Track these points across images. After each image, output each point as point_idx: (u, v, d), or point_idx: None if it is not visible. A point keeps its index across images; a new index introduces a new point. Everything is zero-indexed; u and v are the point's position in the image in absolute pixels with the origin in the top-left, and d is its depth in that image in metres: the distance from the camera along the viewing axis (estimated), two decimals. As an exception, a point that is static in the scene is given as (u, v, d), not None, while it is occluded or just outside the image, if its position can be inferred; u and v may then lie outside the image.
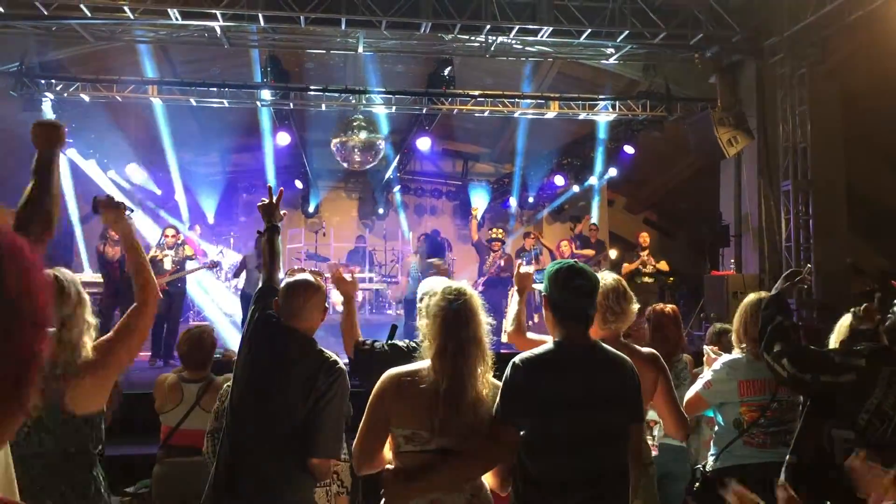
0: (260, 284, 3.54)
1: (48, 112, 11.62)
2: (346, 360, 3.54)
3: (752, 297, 3.98)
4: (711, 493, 3.77)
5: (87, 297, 2.87)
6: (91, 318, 2.83)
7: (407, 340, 3.63)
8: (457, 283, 2.91)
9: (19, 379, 0.90)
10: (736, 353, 3.87)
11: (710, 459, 3.82)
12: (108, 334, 2.90)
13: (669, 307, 4.82)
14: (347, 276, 3.93)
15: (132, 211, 3.16)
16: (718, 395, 3.81)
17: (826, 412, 3.02)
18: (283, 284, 3.39)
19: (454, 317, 2.74)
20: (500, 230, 11.61)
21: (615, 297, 3.47)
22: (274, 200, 3.77)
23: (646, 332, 4.68)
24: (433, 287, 2.97)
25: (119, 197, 3.20)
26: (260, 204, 3.78)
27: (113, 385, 2.96)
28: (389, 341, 3.69)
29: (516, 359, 2.78)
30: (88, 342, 2.78)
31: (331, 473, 3.29)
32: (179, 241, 10.55)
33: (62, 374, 2.68)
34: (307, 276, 3.40)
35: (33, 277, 0.92)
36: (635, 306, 3.57)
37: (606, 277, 3.55)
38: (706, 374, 3.88)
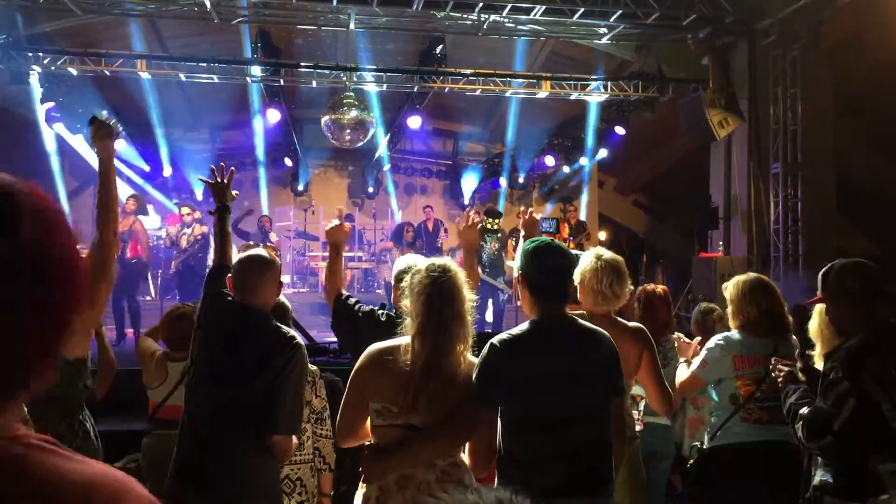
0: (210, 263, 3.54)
1: (35, 85, 11.50)
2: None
3: (740, 277, 3.99)
4: (708, 471, 3.81)
5: None
6: None
7: (385, 311, 3.61)
8: (440, 259, 2.89)
9: (46, 349, 0.90)
10: (731, 332, 3.89)
11: (706, 437, 3.84)
12: None
13: (660, 287, 4.85)
14: (336, 222, 3.86)
15: (122, 131, 3.21)
16: (714, 372, 3.82)
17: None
18: (236, 260, 3.37)
19: (438, 293, 2.72)
20: (497, 221, 11.46)
21: (609, 283, 3.45)
22: (224, 180, 3.76)
23: (636, 311, 4.70)
24: (417, 264, 2.95)
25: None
26: (210, 183, 3.75)
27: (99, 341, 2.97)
28: (367, 307, 3.66)
29: (494, 339, 2.77)
30: None
31: (292, 451, 3.26)
32: (195, 219, 10.59)
33: None
34: (261, 251, 3.39)
35: (72, 250, 0.93)
36: (629, 289, 3.57)
37: (603, 257, 3.53)
38: (702, 354, 3.89)
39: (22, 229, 0.87)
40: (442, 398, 2.69)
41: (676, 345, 4.19)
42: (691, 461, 3.91)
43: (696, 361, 3.89)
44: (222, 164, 3.92)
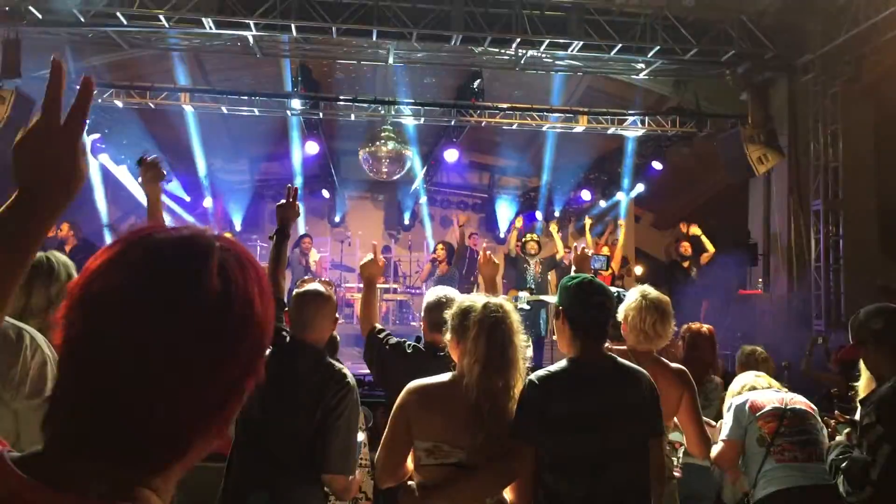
0: None
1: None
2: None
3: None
4: None
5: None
6: None
7: (412, 342, 3.61)
8: (494, 298, 2.87)
9: (224, 405, 0.88)
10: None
11: (749, 488, 3.78)
12: None
13: (706, 327, 4.78)
14: (370, 256, 3.87)
15: (169, 181, 3.21)
16: (740, 427, 3.79)
17: None
18: (293, 295, 3.37)
19: (500, 335, 2.70)
20: (536, 236, 11.49)
21: (652, 322, 3.42)
22: (293, 201, 3.75)
23: (680, 351, 4.63)
24: (467, 301, 2.93)
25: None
26: (279, 204, 3.75)
27: None
28: (394, 339, 3.66)
29: (533, 376, 2.75)
30: None
31: (351, 491, 3.24)
32: None
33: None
34: (318, 286, 3.39)
35: (255, 305, 0.90)
36: (672, 328, 3.53)
37: (648, 296, 3.50)
38: (726, 422, 3.87)
39: (210, 283, 0.85)
40: (499, 436, 2.67)
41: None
42: None
43: (724, 429, 3.88)
44: (289, 185, 3.90)
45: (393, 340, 3.61)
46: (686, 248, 11.24)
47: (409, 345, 3.58)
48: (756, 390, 3.91)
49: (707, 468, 4.41)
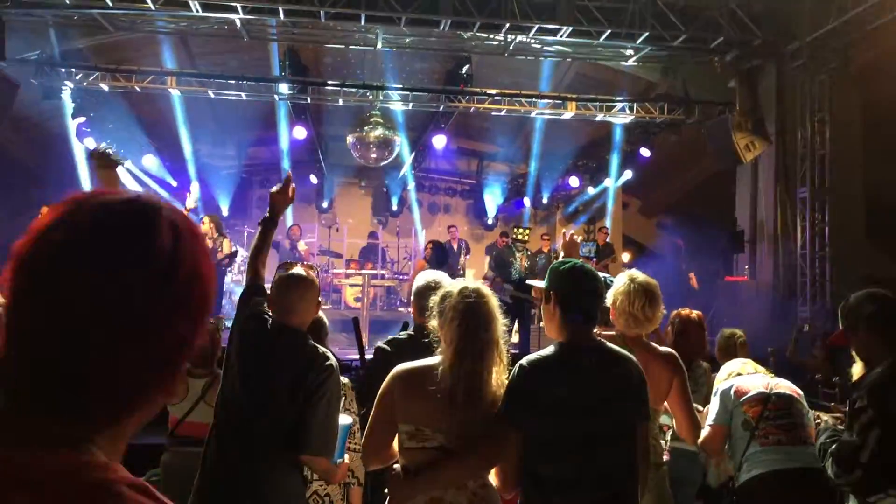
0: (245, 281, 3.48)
1: (67, 101, 11.68)
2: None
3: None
4: None
5: None
6: None
7: (390, 338, 3.60)
8: (473, 283, 2.87)
9: (170, 364, 0.89)
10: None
11: (734, 471, 3.81)
12: None
13: (695, 313, 4.79)
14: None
15: (122, 163, 3.09)
16: (726, 412, 3.82)
17: None
18: (275, 279, 3.35)
19: (475, 319, 2.71)
20: (525, 230, 11.43)
21: (640, 306, 3.42)
22: (287, 187, 3.57)
23: (669, 336, 4.65)
24: (448, 286, 2.94)
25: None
26: (274, 190, 3.56)
27: None
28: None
29: (523, 360, 2.76)
30: None
31: (337, 473, 3.25)
32: (216, 232, 10.58)
33: None
34: (300, 270, 3.37)
35: (203, 265, 0.92)
36: (661, 312, 3.53)
37: (636, 279, 3.51)
38: (713, 408, 3.90)
39: (159, 238, 0.86)
40: (479, 421, 2.68)
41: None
42: (732, 499, 3.86)
43: (710, 414, 3.91)
44: (289, 172, 3.78)
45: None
46: None
47: (390, 341, 3.61)
48: (742, 376, 3.93)
49: (695, 453, 4.43)
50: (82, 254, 0.83)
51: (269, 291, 3.38)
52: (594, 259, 11.16)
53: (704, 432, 3.85)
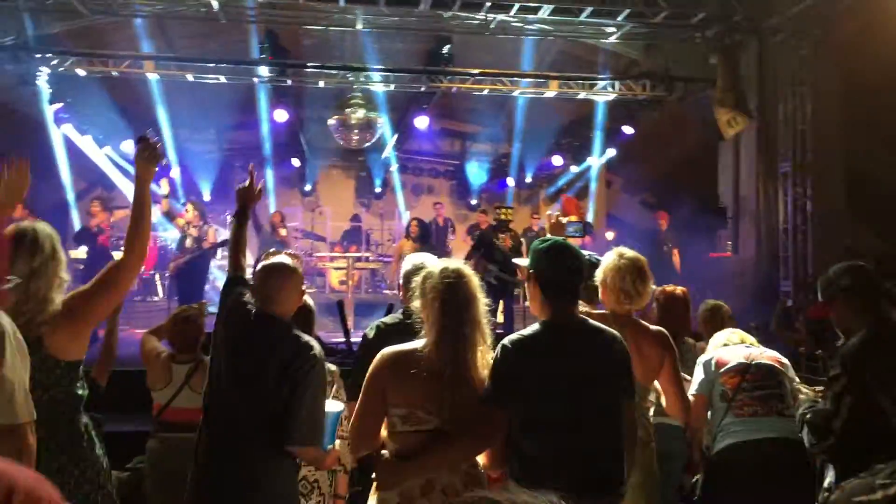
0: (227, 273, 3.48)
1: (44, 86, 11.52)
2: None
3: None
4: (714, 476, 3.78)
5: (62, 254, 2.90)
6: (64, 275, 2.88)
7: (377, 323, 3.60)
8: (454, 263, 2.86)
9: None
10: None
11: (710, 441, 3.83)
12: (86, 285, 2.93)
13: (680, 289, 4.79)
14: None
15: (168, 168, 3.09)
16: (707, 382, 3.85)
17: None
18: (258, 267, 3.35)
19: (454, 298, 2.71)
20: (509, 210, 11.35)
21: (632, 280, 3.43)
22: (254, 184, 3.62)
23: (654, 313, 4.65)
24: (429, 267, 2.93)
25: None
26: (239, 187, 3.61)
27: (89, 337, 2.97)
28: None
29: (505, 340, 2.75)
30: (58, 297, 2.81)
31: (326, 461, 3.27)
32: (200, 218, 10.45)
33: (38, 321, 2.73)
34: (284, 258, 3.37)
35: None
36: (651, 287, 3.54)
37: (625, 255, 3.51)
38: (695, 376, 3.94)
39: None
40: (469, 402, 2.68)
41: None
42: (701, 474, 3.90)
43: (693, 384, 3.94)
44: (252, 165, 3.81)
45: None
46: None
47: (377, 326, 3.61)
48: (726, 346, 3.95)
49: (679, 427, 4.46)
50: None
51: (251, 280, 3.36)
52: (581, 237, 11.13)
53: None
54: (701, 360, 3.96)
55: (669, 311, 4.63)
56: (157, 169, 3.04)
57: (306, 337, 3.20)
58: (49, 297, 2.80)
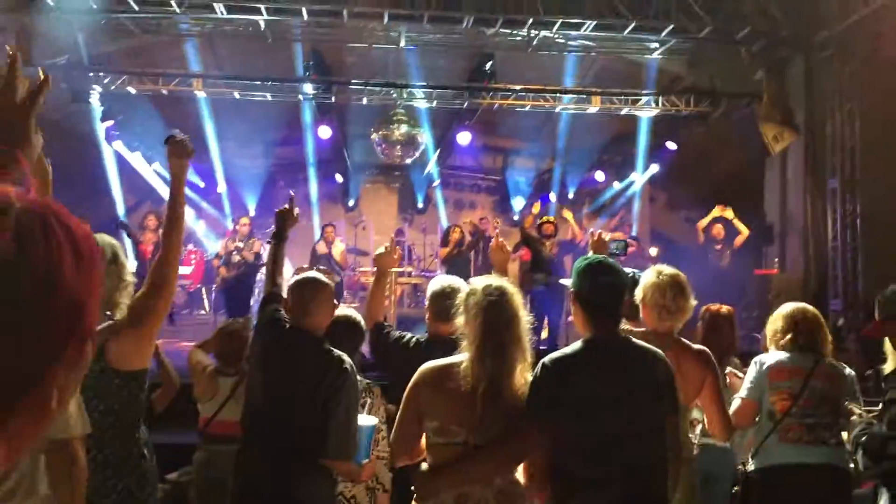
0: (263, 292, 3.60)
1: (95, 104, 11.81)
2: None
3: (784, 305, 3.95)
4: (752, 494, 3.73)
5: (124, 259, 2.97)
6: (129, 277, 2.95)
7: (415, 336, 3.63)
8: (496, 280, 2.88)
9: (38, 376, 0.79)
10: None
11: (750, 459, 3.76)
12: (141, 289, 2.99)
13: (725, 308, 4.72)
14: (384, 248, 3.96)
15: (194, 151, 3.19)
16: (758, 389, 3.74)
17: None
18: (291, 283, 3.42)
19: (495, 317, 2.72)
20: (552, 217, 11.31)
21: (672, 296, 3.40)
22: (293, 209, 3.83)
23: (699, 332, 4.60)
24: (453, 285, 2.96)
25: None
26: (279, 210, 3.83)
27: (156, 349, 3.04)
28: (396, 333, 3.68)
29: (546, 359, 2.76)
30: (124, 301, 2.88)
31: (360, 475, 3.31)
32: (249, 234, 10.65)
33: (102, 331, 2.79)
34: (315, 273, 3.46)
35: (72, 264, 0.80)
36: (693, 303, 3.51)
37: (664, 272, 3.49)
38: (746, 379, 3.82)
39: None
40: (504, 419, 2.69)
41: (729, 381, 4.08)
42: (735, 488, 3.83)
43: (743, 386, 3.83)
44: (293, 193, 4.02)
45: (395, 335, 3.66)
46: (719, 231, 11.09)
47: (411, 339, 3.63)
48: (784, 353, 3.77)
49: (726, 448, 4.38)
50: None
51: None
52: (623, 255, 11.01)
53: (735, 403, 3.79)
54: (758, 360, 3.81)
55: (714, 331, 4.56)
56: (188, 163, 3.12)
57: (338, 352, 3.25)
58: (115, 300, 2.90)
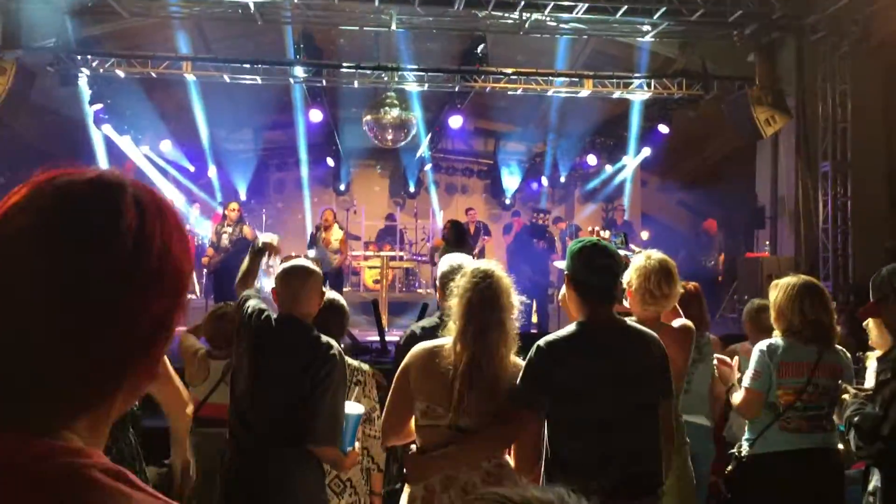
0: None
1: (84, 88, 11.71)
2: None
3: (789, 280, 3.81)
4: (747, 479, 3.74)
5: None
6: None
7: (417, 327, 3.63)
8: (485, 263, 2.87)
9: (146, 347, 0.87)
10: (774, 338, 3.76)
11: (745, 444, 3.76)
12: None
13: (691, 284, 4.69)
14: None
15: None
16: (766, 381, 3.66)
17: None
18: (279, 271, 3.42)
19: (479, 299, 2.72)
20: (543, 215, 11.38)
21: (657, 281, 3.37)
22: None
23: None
24: (462, 264, 2.96)
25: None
26: (264, 246, 3.92)
27: None
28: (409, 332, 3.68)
29: (541, 341, 2.76)
30: None
31: (345, 463, 3.32)
32: (238, 218, 10.62)
33: None
34: (303, 261, 3.45)
35: (174, 242, 0.89)
36: (679, 288, 3.49)
37: (652, 257, 3.47)
38: (750, 366, 3.75)
39: (123, 218, 0.84)
40: (485, 401, 2.69)
41: (717, 372, 4.04)
42: (728, 469, 3.83)
43: (748, 375, 3.73)
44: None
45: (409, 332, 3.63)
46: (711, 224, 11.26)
47: (411, 332, 3.63)
48: (789, 342, 3.65)
49: (708, 427, 4.40)
50: (45, 239, 0.81)
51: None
52: (624, 248, 11.07)
53: (740, 395, 3.75)
54: (764, 351, 3.69)
55: (686, 308, 4.56)
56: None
57: (326, 337, 3.25)
58: None
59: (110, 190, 0.86)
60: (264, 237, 4.02)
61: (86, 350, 0.81)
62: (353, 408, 3.32)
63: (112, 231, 0.83)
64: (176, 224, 0.91)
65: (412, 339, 3.49)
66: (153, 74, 11.82)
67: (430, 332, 3.48)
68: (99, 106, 12.01)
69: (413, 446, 2.85)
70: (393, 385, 2.86)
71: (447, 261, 3.58)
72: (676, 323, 3.49)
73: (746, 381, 3.74)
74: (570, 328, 2.80)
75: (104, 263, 0.82)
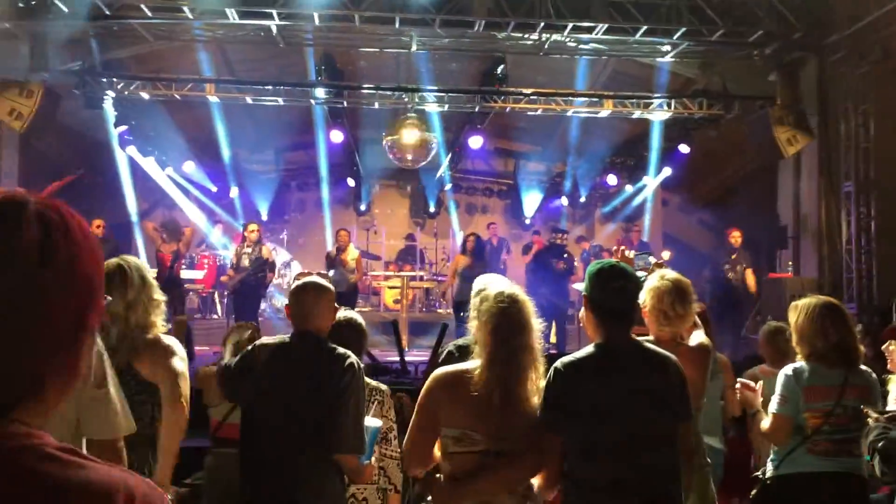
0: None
1: (109, 110, 11.88)
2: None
3: (809, 301, 3.77)
4: (769, 500, 3.69)
5: (152, 279, 3.07)
6: (158, 296, 3.09)
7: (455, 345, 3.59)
8: (507, 285, 2.87)
9: (69, 342, 0.95)
10: (798, 362, 3.71)
11: (770, 466, 3.71)
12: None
13: (697, 305, 4.66)
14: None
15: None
16: (794, 405, 3.61)
17: None
18: (292, 287, 3.46)
19: (506, 325, 2.72)
20: (562, 235, 11.38)
21: (670, 301, 3.36)
22: None
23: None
24: (487, 289, 2.93)
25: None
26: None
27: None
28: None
29: (558, 363, 2.74)
30: (158, 318, 3.02)
31: (363, 474, 3.31)
32: (257, 239, 10.73)
33: (127, 349, 3.02)
34: (316, 277, 3.48)
35: (80, 249, 0.96)
36: (695, 308, 3.47)
37: (666, 277, 3.46)
38: (777, 391, 3.70)
39: (28, 232, 0.91)
40: (519, 426, 2.68)
41: (740, 396, 3.98)
42: (754, 492, 3.78)
43: (774, 400, 3.68)
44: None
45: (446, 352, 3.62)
46: (736, 238, 11.02)
47: (449, 350, 3.60)
48: (814, 367, 3.60)
49: (720, 450, 4.35)
50: None
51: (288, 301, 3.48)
52: (649, 269, 11.02)
53: (768, 421, 3.70)
54: (791, 378, 3.64)
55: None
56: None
57: (342, 349, 3.27)
58: (149, 321, 3.12)
59: (12, 208, 0.93)
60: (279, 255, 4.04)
61: (15, 349, 0.90)
62: (371, 421, 3.33)
63: (15, 245, 0.90)
64: (84, 235, 0.98)
65: (450, 360, 3.48)
66: (177, 96, 11.97)
67: (466, 351, 3.48)
68: (124, 128, 12.17)
69: (437, 475, 2.81)
70: (416, 410, 2.82)
71: (480, 281, 3.56)
72: (694, 340, 3.46)
73: (774, 407, 3.67)
74: (588, 350, 2.79)
75: (10, 274, 0.89)
